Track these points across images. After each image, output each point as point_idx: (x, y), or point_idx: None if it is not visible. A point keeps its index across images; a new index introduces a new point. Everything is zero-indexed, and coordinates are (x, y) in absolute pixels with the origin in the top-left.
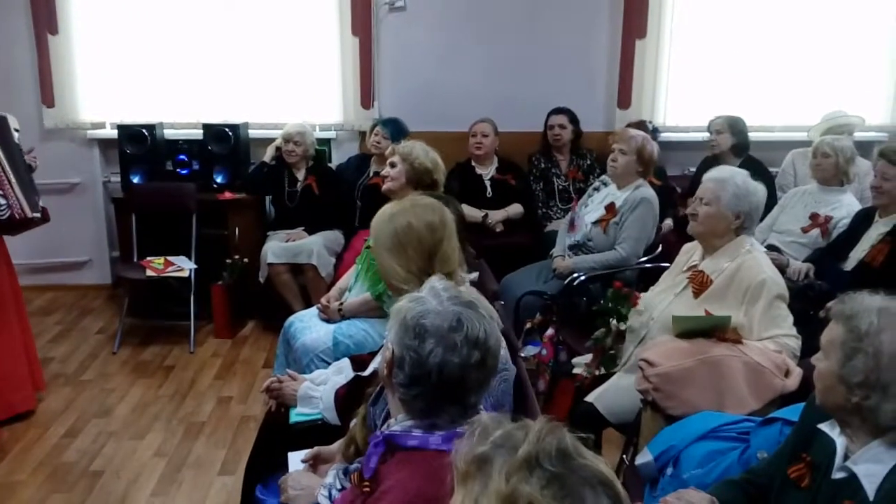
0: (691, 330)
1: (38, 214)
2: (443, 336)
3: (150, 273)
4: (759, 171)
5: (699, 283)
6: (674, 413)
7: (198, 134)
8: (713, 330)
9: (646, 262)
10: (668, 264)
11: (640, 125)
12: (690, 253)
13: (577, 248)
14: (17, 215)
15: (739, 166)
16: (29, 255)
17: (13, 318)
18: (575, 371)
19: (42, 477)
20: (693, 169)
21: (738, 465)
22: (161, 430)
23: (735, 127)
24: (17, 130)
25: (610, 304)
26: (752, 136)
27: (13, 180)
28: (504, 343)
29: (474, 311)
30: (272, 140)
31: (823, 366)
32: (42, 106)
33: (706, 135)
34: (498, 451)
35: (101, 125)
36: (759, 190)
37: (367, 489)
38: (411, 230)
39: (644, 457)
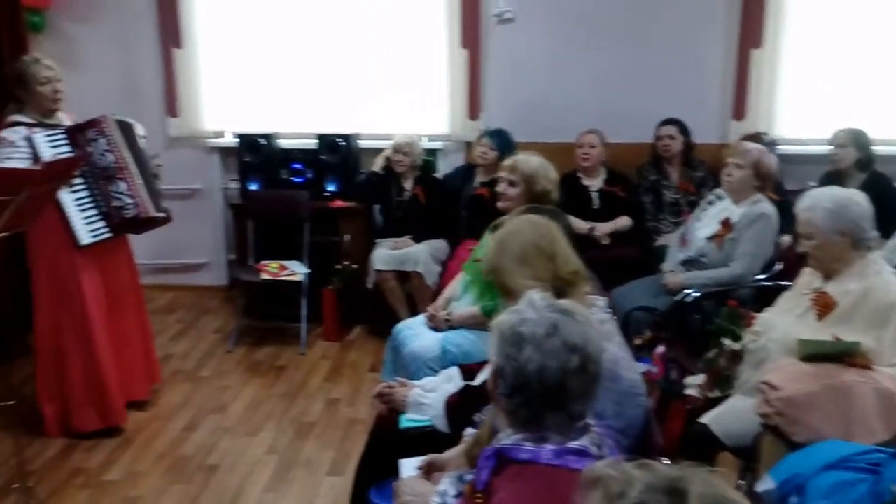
0: (817, 354)
1: (162, 214)
2: (539, 342)
3: (265, 276)
4: (884, 186)
5: (823, 306)
6: (797, 439)
7: (312, 144)
8: (841, 356)
9: (764, 279)
10: (787, 283)
11: (756, 137)
12: (814, 275)
13: (689, 264)
14: (142, 214)
15: (864, 182)
16: (152, 256)
17: (135, 313)
18: (687, 392)
19: (162, 468)
20: (813, 183)
21: (868, 497)
22: (273, 429)
23: (859, 140)
24: (143, 137)
25: (724, 324)
26: (877, 149)
27: (139, 182)
28: (637, 370)
29: (570, 317)
30: (382, 150)
31: None
32: (167, 116)
33: (827, 147)
34: None
35: (222, 134)
36: (854, 198)
37: (480, 501)
38: (524, 237)
39: (766, 483)
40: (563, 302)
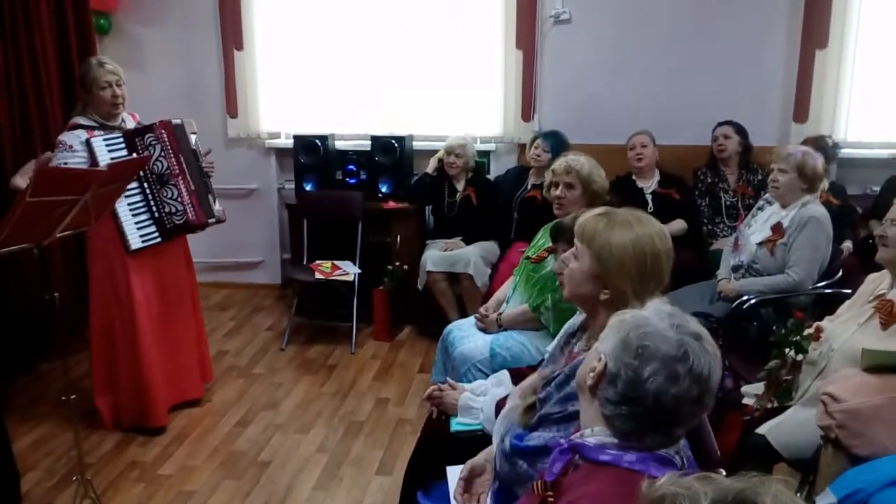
0: (883, 365)
1: (212, 220)
2: (666, 363)
3: (318, 276)
4: None
5: (888, 314)
6: (859, 453)
7: (366, 145)
8: None
9: (823, 286)
10: (848, 290)
11: (819, 140)
12: (878, 282)
13: (741, 270)
14: (192, 220)
15: None
16: (208, 255)
17: (190, 312)
18: (744, 401)
19: (216, 463)
20: (876, 188)
21: None
22: (323, 427)
23: None
24: (194, 133)
25: (790, 336)
26: None
27: (192, 188)
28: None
29: (700, 345)
30: (435, 152)
31: None
32: (227, 116)
33: (892, 151)
34: None
35: (278, 135)
36: None
37: (551, 499)
38: (655, 246)
39: (827, 497)
40: (693, 323)
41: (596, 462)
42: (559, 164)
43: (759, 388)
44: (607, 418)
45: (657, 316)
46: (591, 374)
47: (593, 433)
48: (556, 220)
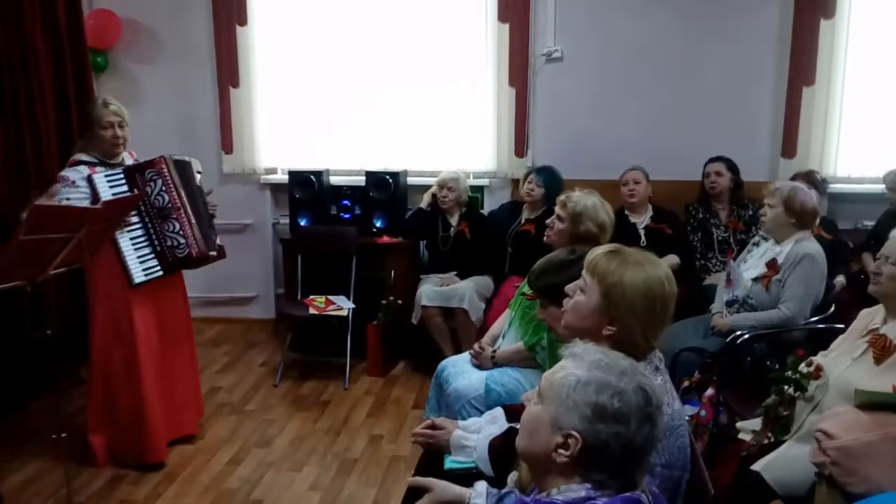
0: (875, 403)
1: (213, 253)
2: (640, 410)
3: (312, 311)
4: None
5: (881, 349)
6: (854, 490)
7: (360, 181)
8: None
9: (816, 321)
10: (841, 325)
11: (809, 176)
12: (871, 317)
13: (735, 305)
14: (194, 254)
15: None
16: (202, 290)
17: (185, 347)
18: (740, 437)
19: (207, 502)
20: (867, 223)
21: None
22: (316, 465)
23: None
24: (199, 173)
25: (789, 373)
26: None
27: (193, 221)
28: (676, 399)
29: (641, 374)
30: (429, 187)
31: None
32: (222, 152)
33: (882, 186)
34: None
35: (274, 171)
36: None
37: None
38: (664, 288)
39: None
40: (606, 355)
41: None
42: (564, 195)
43: (754, 423)
44: (588, 480)
45: (594, 367)
46: (563, 453)
47: (560, 492)
48: (535, 266)
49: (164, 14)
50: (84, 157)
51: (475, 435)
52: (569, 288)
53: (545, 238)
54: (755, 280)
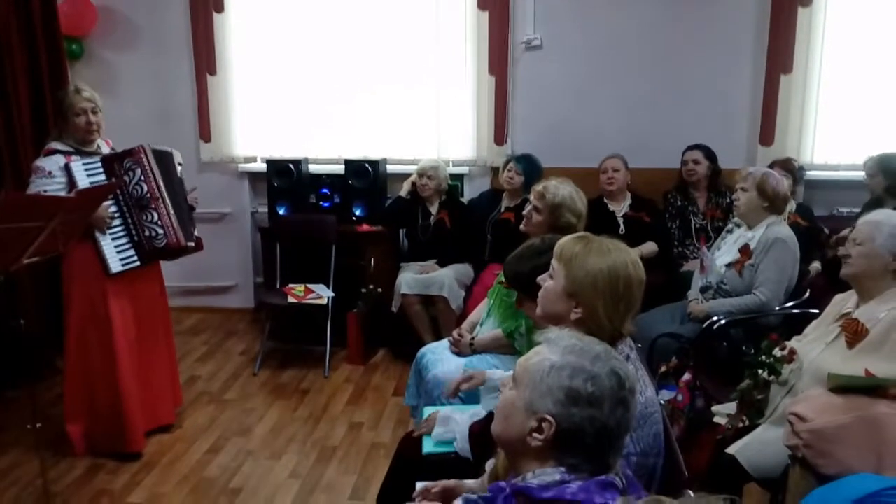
0: (848, 387)
1: (191, 244)
2: (613, 394)
3: (291, 300)
4: None
5: (853, 332)
6: (826, 472)
7: (339, 169)
8: (873, 389)
9: (791, 307)
10: (815, 311)
11: (787, 163)
12: (843, 302)
13: (709, 291)
14: (172, 244)
15: None
16: (181, 279)
17: (162, 337)
18: (715, 420)
19: (186, 490)
20: (843, 209)
21: None
22: (296, 452)
23: (886, 168)
24: (180, 164)
25: (763, 357)
26: None
27: (171, 212)
28: (649, 381)
29: (615, 358)
30: (409, 175)
31: None
32: (200, 140)
33: (858, 173)
34: None
35: (252, 159)
36: None
37: None
38: (629, 276)
39: None
40: (579, 339)
41: (540, 500)
42: (540, 185)
43: (729, 407)
44: (564, 464)
45: (568, 352)
46: (538, 437)
47: (535, 475)
48: (507, 261)
49: (140, 1)
50: (59, 146)
51: (459, 414)
52: (541, 278)
53: (521, 227)
54: (728, 266)
